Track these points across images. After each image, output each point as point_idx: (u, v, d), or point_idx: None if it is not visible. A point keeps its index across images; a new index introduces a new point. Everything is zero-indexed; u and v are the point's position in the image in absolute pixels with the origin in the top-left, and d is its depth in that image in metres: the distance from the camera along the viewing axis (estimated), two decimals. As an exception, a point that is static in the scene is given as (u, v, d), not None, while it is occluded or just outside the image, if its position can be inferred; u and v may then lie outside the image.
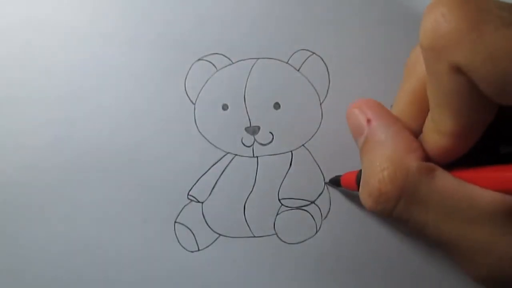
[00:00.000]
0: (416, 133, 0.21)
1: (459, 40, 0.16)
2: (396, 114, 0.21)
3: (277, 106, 0.26)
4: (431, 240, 0.19)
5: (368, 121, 0.21)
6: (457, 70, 0.16)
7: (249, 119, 0.26)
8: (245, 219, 0.26)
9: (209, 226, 0.26)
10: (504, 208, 0.17)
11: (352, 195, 0.26)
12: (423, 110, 0.20)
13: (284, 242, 0.26)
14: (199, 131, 0.26)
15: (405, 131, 0.20)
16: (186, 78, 0.27)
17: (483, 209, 0.17)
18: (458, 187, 0.18)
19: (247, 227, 0.26)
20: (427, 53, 0.17)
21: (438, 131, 0.18)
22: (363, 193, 0.20)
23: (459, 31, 0.16)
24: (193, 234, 0.26)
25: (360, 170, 0.22)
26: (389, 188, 0.19)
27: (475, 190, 0.18)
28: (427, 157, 0.20)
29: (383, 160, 0.19)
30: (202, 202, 0.26)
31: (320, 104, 0.27)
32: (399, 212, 0.19)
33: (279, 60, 0.27)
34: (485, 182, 0.18)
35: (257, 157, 0.26)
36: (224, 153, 0.26)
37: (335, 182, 0.25)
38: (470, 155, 0.19)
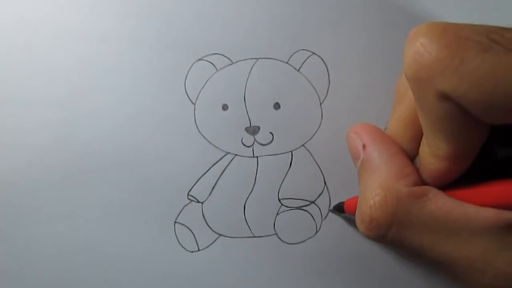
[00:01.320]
0: (412, 156, 0.21)
1: (442, 69, 0.16)
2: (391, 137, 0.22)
3: (277, 106, 0.26)
4: (427, 263, 0.19)
5: (364, 146, 0.21)
6: (445, 97, 0.16)
7: (249, 119, 0.26)
8: (245, 219, 0.26)
9: (209, 226, 0.26)
10: (499, 223, 0.17)
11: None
12: (417, 133, 0.20)
13: (284, 242, 0.26)
14: (199, 131, 0.26)
15: (399, 156, 0.20)
16: (186, 78, 0.27)
17: (479, 226, 0.18)
18: (452, 207, 0.18)
19: (247, 227, 0.26)
20: (412, 84, 0.17)
21: (434, 155, 0.19)
22: (357, 219, 0.21)
23: (441, 60, 0.16)
24: (193, 234, 0.26)
25: None
26: (379, 214, 0.19)
27: (470, 208, 0.18)
28: (421, 181, 0.20)
29: (375, 186, 0.20)
30: (202, 202, 0.26)
31: (320, 104, 0.27)
32: (392, 237, 0.19)
33: (279, 60, 0.27)
34: (480, 198, 0.18)
35: (257, 157, 0.26)
36: (224, 153, 0.26)
37: (339, 209, 0.25)
38: None
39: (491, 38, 0.16)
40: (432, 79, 0.16)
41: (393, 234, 0.19)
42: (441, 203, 0.18)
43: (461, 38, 0.16)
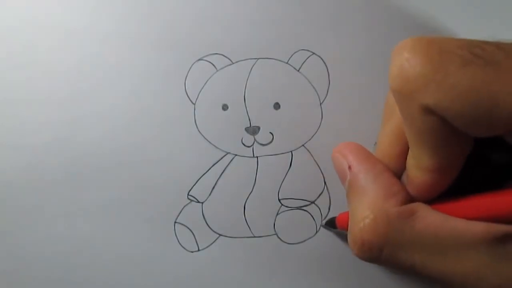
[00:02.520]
0: (402, 171, 0.21)
1: (426, 83, 0.16)
2: (380, 154, 0.22)
3: (277, 106, 0.26)
4: (423, 279, 0.19)
5: (349, 167, 0.21)
6: (428, 110, 0.17)
7: (249, 119, 0.26)
8: (245, 219, 0.26)
9: (209, 226, 0.26)
10: (489, 237, 0.17)
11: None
12: (407, 147, 0.20)
13: (284, 242, 0.26)
14: (199, 131, 0.26)
15: (385, 175, 0.20)
16: (186, 78, 0.27)
17: (468, 241, 0.18)
18: (441, 223, 0.18)
19: (247, 227, 0.26)
20: (397, 97, 0.18)
21: (419, 168, 0.19)
22: (349, 240, 0.20)
23: (424, 75, 0.16)
24: (193, 234, 0.26)
25: None
26: (371, 236, 0.19)
27: (459, 222, 0.18)
28: (410, 198, 0.20)
29: (364, 208, 0.20)
30: (202, 202, 0.26)
31: (320, 104, 0.27)
32: (385, 258, 0.19)
33: (279, 60, 0.27)
34: (468, 211, 0.18)
35: (257, 157, 0.26)
36: (224, 153, 0.26)
37: (331, 224, 0.25)
38: (462, 169, 0.19)
39: (472, 52, 0.16)
40: (416, 93, 0.17)
41: (386, 255, 0.19)
42: (430, 220, 0.18)
43: (444, 52, 0.16)
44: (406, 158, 0.20)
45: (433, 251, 0.18)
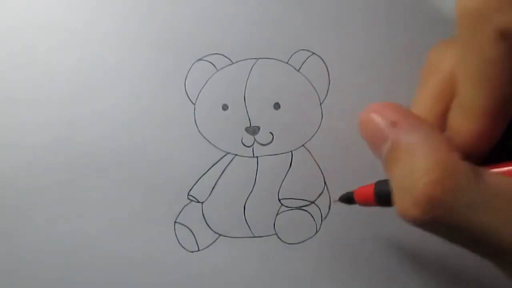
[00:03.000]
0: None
1: (504, 2, 0.15)
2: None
3: (277, 106, 0.26)
4: (487, 252, 0.17)
5: (394, 124, 0.18)
6: (503, 35, 0.15)
7: (249, 119, 0.26)
8: (245, 219, 0.26)
9: (209, 226, 0.26)
10: None
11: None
12: (447, 108, 0.18)
13: (284, 242, 0.26)
14: (199, 131, 0.26)
15: (436, 131, 0.18)
16: (186, 78, 0.27)
17: None
18: None
19: (247, 227, 0.26)
20: (467, 21, 0.16)
21: (468, 116, 0.17)
22: (404, 204, 0.17)
23: None
24: (193, 234, 0.26)
25: (376, 183, 0.21)
26: (439, 191, 0.16)
27: None
28: (463, 157, 0.17)
29: (424, 162, 0.17)
30: (202, 202, 0.26)
31: (320, 104, 0.27)
32: (454, 219, 0.16)
33: (279, 60, 0.27)
34: None
35: (257, 157, 0.26)
36: (224, 153, 0.26)
37: (347, 200, 0.24)
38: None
39: None
40: (492, 15, 0.15)
41: (455, 215, 0.16)
42: (502, 181, 0.16)
43: None
44: (444, 120, 0.19)
45: (509, 216, 0.16)
